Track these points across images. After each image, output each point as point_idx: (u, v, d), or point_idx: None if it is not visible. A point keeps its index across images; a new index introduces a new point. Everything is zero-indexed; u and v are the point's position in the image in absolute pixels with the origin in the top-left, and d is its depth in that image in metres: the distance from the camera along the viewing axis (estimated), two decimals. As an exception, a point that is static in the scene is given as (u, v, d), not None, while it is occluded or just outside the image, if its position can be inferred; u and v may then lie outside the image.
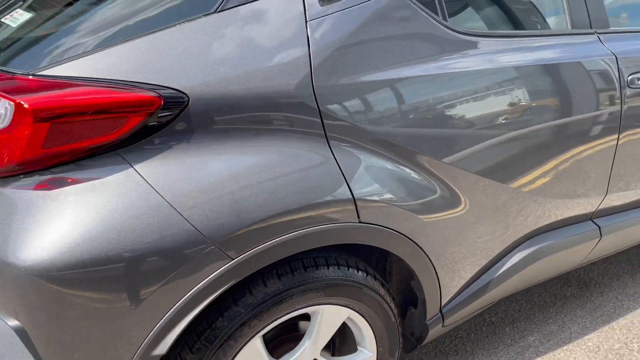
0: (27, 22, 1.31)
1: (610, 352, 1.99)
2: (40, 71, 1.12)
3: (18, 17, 1.32)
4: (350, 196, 1.29)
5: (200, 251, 1.15)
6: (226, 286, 1.20)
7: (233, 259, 1.18)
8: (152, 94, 1.11)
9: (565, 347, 2.02)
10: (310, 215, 1.24)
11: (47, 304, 1.11)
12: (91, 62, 1.13)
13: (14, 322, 1.15)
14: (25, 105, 1.04)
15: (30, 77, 1.11)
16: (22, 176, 1.13)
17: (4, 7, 1.44)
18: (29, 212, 1.12)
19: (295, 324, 1.52)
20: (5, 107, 1.08)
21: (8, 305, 1.16)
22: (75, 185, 1.12)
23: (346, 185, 1.29)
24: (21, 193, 1.13)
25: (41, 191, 1.13)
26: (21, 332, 1.14)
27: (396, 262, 1.59)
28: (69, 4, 1.35)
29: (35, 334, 1.13)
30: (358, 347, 1.55)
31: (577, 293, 2.32)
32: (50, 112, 1.06)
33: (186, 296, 1.16)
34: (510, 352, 2.00)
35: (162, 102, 1.12)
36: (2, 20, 1.35)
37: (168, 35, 1.17)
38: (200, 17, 1.20)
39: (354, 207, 1.30)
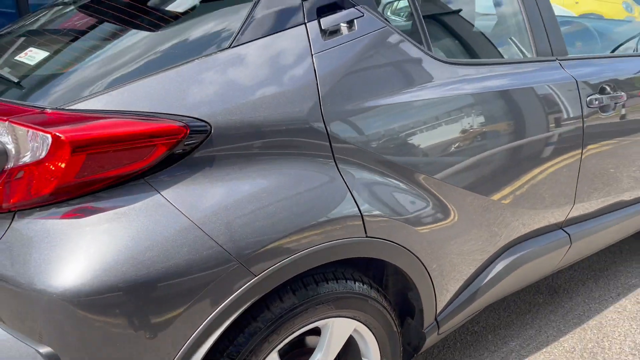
0: (45, 60, 1.36)
1: (584, 351, 2.15)
2: (68, 105, 1.19)
3: (34, 55, 1.37)
4: (358, 212, 1.39)
5: (227, 269, 1.22)
6: (250, 302, 1.27)
7: (256, 276, 1.25)
8: (179, 123, 1.19)
9: (544, 350, 2.17)
10: (324, 231, 1.34)
11: (79, 329, 1.15)
12: (117, 96, 1.20)
13: (45, 349, 1.17)
14: (63, 137, 1.10)
15: (61, 111, 1.17)
16: (52, 206, 1.18)
17: (15, 48, 1.49)
18: (59, 240, 1.16)
19: (303, 340, 1.59)
20: (41, 140, 1.13)
21: (37, 331, 1.19)
22: (104, 212, 1.18)
23: (354, 203, 1.39)
24: (51, 222, 1.18)
25: (71, 220, 1.18)
26: (53, 358, 1.17)
27: (392, 275, 1.70)
28: (85, 41, 1.42)
29: (68, 355, 1.17)
30: (363, 359, 1.64)
31: (549, 300, 2.48)
32: (86, 143, 1.12)
33: (214, 313, 1.22)
34: (494, 358, 2.13)
35: (188, 131, 1.20)
36: (17, 58, 1.40)
37: (189, 70, 1.26)
38: (216, 53, 1.30)
39: (362, 223, 1.41)
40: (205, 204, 1.23)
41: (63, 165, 1.12)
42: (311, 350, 1.54)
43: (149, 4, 1.53)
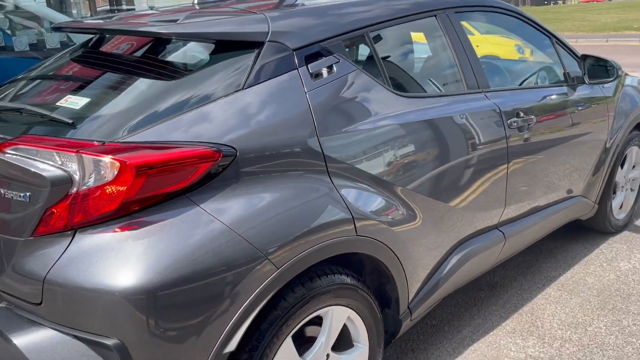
0: (88, 104, 1.62)
1: (523, 331, 2.58)
2: (123, 138, 1.46)
3: (75, 100, 1.63)
4: (351, 216, 1.74)
5: (258, 264, 1.51)
6: (274, 291, 1.57)
7: (278, 268, 1.56)
8: (214, 148, 1.50)
9: (490, 333, 2.57)
10: (327, 231, 1.67)
11: (142, 320, 1.40)
12: (161, 130, 1.50)
13: (113, 341, 1.40)
14: (128, 162, 1.38)
15: (117, 143, 1.45)
16: (110, 222, 1.43)
17: (50, 92, 1.73)
18: (119, 249, 1.42)
19: (302, 331, 1.88)
20: (106, 166, 1.39)
21: (103, 327, 1.41)
22: (155, 224, 1.45)
23: (347, 209, 1.74)
24: (111, 235, 1.43)
25: (129, 231, 1.44)
26: (119, 346, 1.40)
27: (369, 274, 2.04)
28: (120, 86, 1.69)
29: (133, 346, 1.40)
30: (354, 344, 1.95)
31: (489, 294, 2.92)
32: (147, 166, 1.40)
33: (249, 300, 1.51)
34: (452, 344, 2.50)
35: (221, 154, 1.51)
36: (58, 104, 1.65)
37: (214, 107, 1.58)
38: (234, 93, 1.63)
39: (353, 225, 1.75)
40: (235, 212, 1.53)
41: (127, 186, 1.39)
42: (313, 339, 1.83)
43: (168, 56, 1.84)
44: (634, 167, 3.59)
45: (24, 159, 1.45)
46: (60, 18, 4.62)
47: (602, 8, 34.00)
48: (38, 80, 1.98)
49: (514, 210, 2.55)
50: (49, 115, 1.58)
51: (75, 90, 1.75)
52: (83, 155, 1.40)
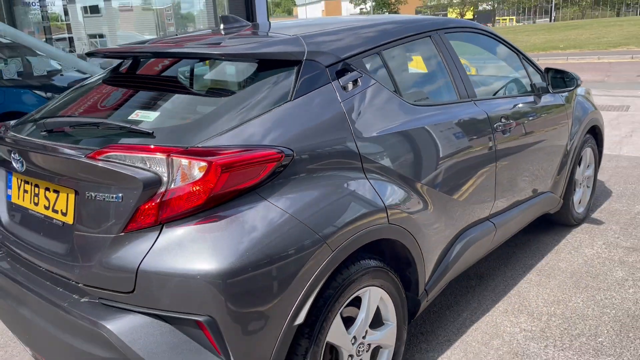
0: (158, 117, 1.84)
1: (514, 310, 2.92)
2: (201, 144, 1.69)
3: (146, 114, 1.85)
4: (383, 206, 2.03)
5: (318, 247, 1.77)
6: (330, 271, 1.82)
7: (333, 251, 1.82)
8: (278, 150, 1.76)
9: (487, 314, 2.90)
10: (367, 219, 1.95)
11: (228, 297, 1.61)
12: (231, 136, 1.73)
13: (204, 317, 1.62)
14: (215, 162, 1.61)
15: (197, 147, 1.68)
16: (193, 216, 1.66)
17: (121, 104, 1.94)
18: (204, 238, 1.64)
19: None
20: (193, 167, 1.62)
21: (194, 306, 1.62)
22: (232, 216, 1.68)
23: (380, 200, 2.03)
24: (196, 227, 1.65)
25: (211, 223, 1.66)
26: (210, 321, 1.61)
27: (390, 261, 2.32)
28: (188, 100, 1.93)
29: (222, 320, 1.62)
30: (384, 322, 2.22)
31: (479, 282, 3.26)
32: (229, 165, 1.64)
33: (312, 278, 1.76)
34: (455, 325, 2.81)
35: (284, 155, 1.76)
36: (131, 118, 1.86)
37: (271, 115, 1.84)
38: (284, 103, 1.89)
39: (386, 214, 2.04)
40: (296, 204, 1.78)
41: (213, 183, 1.62)
42: (353, 319, 2.08)
43: (216, 74, 2.08)
44: (588, 166, 4.07)
45: (116, 164, 1.65)
46: (44, 47, 4.73)
47: (530, 30, 36.32)
48: (92, 99, 2.18)
49: (502, 203, 2.91)
50: (128, 127, 1.79)
51: (142, 106, 1.97)
52: (173, 158, 1.63)
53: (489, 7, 71.10)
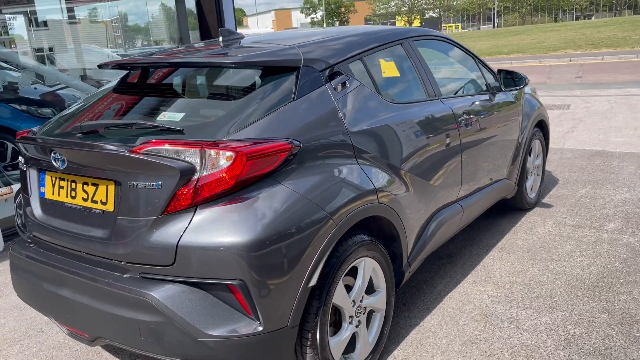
0: (184, 118, 2.15)
1: (481, 281, 3.34)
2: (226, 138, 2.02)
3: (172, 115, 2.16)
4: (374, 188, 2.40)
5: (325, 222, 2.11)
6: (335, 242, 2.17)
7: (337, 225, 2.17)
8: (289, 141, 2.10)
9: (458, 286, 3.31)
10: (361, 199, 2.31)
11: (255, 264, 1.94)
12: (249, 130, 2.06)
13: (235, 281, 1.93)
14: (242, 152, 1.94)
15: (224, 140, 2.00)
16: (222, 198, 1.97)
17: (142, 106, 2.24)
18: (232, 216, 1.97)
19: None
20: (222, 156, 1.94)
21: (227, 272, 1.93)
22: (253, 197, 2.01)
23: (371, 183, 2.39)
24: (224, 207, 1.97)
25: (236, 204, 1.98)
26: (241, 283, 1.93)
27: (379, 236, 2.68)
28: (208, 101, 2.24)
29: (251, 281, 1.93)
30: (376, 289, 2.58)
31: (448, 260, 3.67)
32: (253, 155, 1.97)
33: (321, 247, 2.10)
34: (432, 296, 3.20)
35: (294, 146, 2.11)
36: (160, 119, 2.16)
37: (279, 113, 2.18)
38: (289, 103, 2.24)
39: (376, 195, 2.41)
40: (305, 186, 2.12)
41: (240, 169, 1.95)
42: (350, 288, 2.43)
43: (227, 79, 2.41)
44: (537, 156, 4.58)
45: (156, 157, 1.95)
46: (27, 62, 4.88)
47: (475, 36, 37.80)
48: (115, 104, 2.46)
49: (467, 188, 3.34)
50: (160, 126, 2.09)
51: (167, 109, 2.27)
52: (205, 150, 1.94)
53: (435, 15, 73.40)
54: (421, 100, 3.00)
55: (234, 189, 1.98)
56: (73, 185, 2.24)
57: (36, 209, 2.40)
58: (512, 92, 3.96)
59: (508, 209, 4.47)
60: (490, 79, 3.83)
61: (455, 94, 3.64)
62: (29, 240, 2.49)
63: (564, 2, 74.48)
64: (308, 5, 73.54)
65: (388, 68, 2.91)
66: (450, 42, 3.58)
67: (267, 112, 2.16)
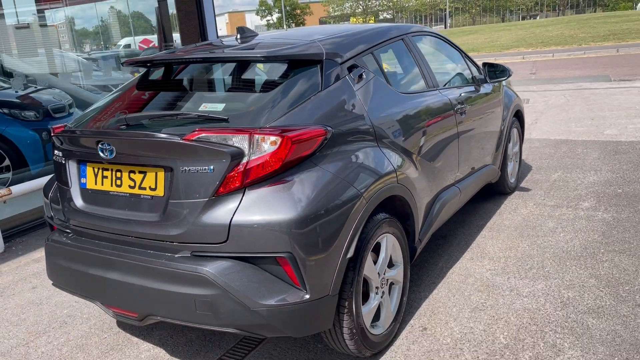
0: (225, 108, 2.33)
1: (478, 257, 3.62)
2: (268, 125, 2.20)
3: (213, 106, 2.33)
4: (394, 170, 2.63)
5: (357, 199, 2.33)
6: (367, 217, 2.38)
7: (367, 202, 2.39)
8: (324, 128, 2.30)
9: (457, 262, 3.58)
10: (385, 178, 2.54)
11: (300, 237, 2.13)
12: (287, 118, 2.26)
13: (284, 253, 2.12)
14: (288, 137, 2.13)
15: (266, 127, 2.19)
16: (267, 180, 2.16)
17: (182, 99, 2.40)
18: (278, 196, 2.15)
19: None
20: (268, 141, 2.12)
21: (276, 245, 2.11)
22: (297, 177, 2.20)
23: (391, 165, 2.63)
24: (270, 187, 2.16)
25: (281, 185, 2.17)
26: (290, 256, 2.12)
27: (395, 214, 2.91)
28: (246, 92, 2.41)
29: (298, 253, 2.13)
30: (394, 263, 2.81)
31: (444, 241, 3.95)
32: (296, 140, 2.16)
33: (356, 221, 2.31)
34: (435, 272, 3.46)
35: (328, 132, 2.31)
36: (202, 109, 2.33)
37: (311, 102, 2.38)
38: (318, 93, 2.44)
39: (395, 175, 2.64)
40: (338, 167, 2.33)
41: (286, 153, 2.14)
42: (375, 262, 2.65)
43: (258, 72, 2.59)
44: (515, 144, 4.92)
45: (208, 143, 2.12)
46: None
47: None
48: (149, 98, 2.61)
49: (462, 172, 3.62)
50: (206, 115, 2.26)
51: (206, 100, 2.44)
52: (254, 135, 2.13)
53: (389, 16, 74.68)
54: (423, 91, 3.26)
55: (280, 171, 2.17)
56: (118, 174, 2.38)
57: (77, 200, 2.52)
58: (495, 84, 4.28)
59: (492, 193, 4.79)
60: (475, 71, 4.14)
61: (448, 85, 3.93)
62: (67, 230, 2.61)
63: (510, 3, 77.12)
64: (263, 8, 73.60)
65: (395, 61, 3.15)
66: (440, 38, 3.86)
67: (300, 102, 2.36)
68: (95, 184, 2.46)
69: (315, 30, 3.20)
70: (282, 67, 2.57)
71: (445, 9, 69.22)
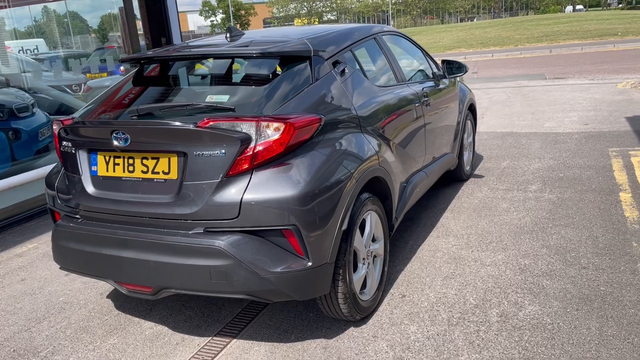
0: (229, 99, 2.59)
1: (443, 235, 4.01)
2: (270, 113, 2.48)
3: (218, 98, 2.58)
4: (375, 153, 2.96)
5: (348, 178, 2.64)
6: (357, 195, 2.70)
7: (356, 181, 2.71)
8: (319, 116, 2.60)
9: (426, 240, 3.96)
10: (369, 161, 2.87)
11: (304, 211, 2.42)
12: (285, 107, 2.55)
13: (290, 226, 2.40)
14: (291, 123, 2.42)
15: (270, 115, 2.47)
16: (271, 163, 2.44)
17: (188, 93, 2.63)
18: (283, 175, 2.44)
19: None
20: (274, 127, 2.40)
21: (282, 219, 2.39)
22: (297, 160, 2.49)
23: (373, 149, 2.96)
24: (275, 169, 2.44)
25: (283, 166, 2.46)
26: (295, 228, 2.41)
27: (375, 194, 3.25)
28: (247, 85, 2.68)
29: (302, 226, 2.41)
30: (376, 238, 3.14)
31: (411, 223, 4.32)
32: (298, 126, 2.45)
33: (348, 198, 2.63)
34: (406, 249, 3.82)
35: (322, 120, 2.62)
36: (209, 100, 2.58)
37: (304, 94, 2.68)
38: (310, 85, 2.74)
39: (377, 158, 2.98)
40: (331, 150, 2.64)
41: (290, 137, 2.43)
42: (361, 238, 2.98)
43: (255, 67, 2.85)
44: (469, 135, 5.38)
45: (220, 130, 2.38)
46: None
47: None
48: (163, 89, 2.84)
49: (428, 158, 4.01)
50: (213, 106, 2.52)
51: (210, 93, 2.69)
52: (261, 122, 2.40)
53: (333, 18, 75.61)
54: (394, 84, 3.61)
55: (283, 154, 2.46)
56: (130, 161, 2.59)
57: (88, 186, 2.71)
58: (452, 79, 4.70)
59: (450, 180, 5.23)
60: (434, 67, 4.55)
61: (414, 79, 4.31)
62: (76, 216, 2.79)
63: (449, 5, 79.74)
64: (207, 8, 72.92)
65: (369, 57, 3.49)
66: (405, 37, 4.24)
67: (295, 93, 2.66)
68: (107, 170, 2.66)
69: (301, 30, 3.49)
70: (275, 62, 2.85)
71: (387, 10, 70.84)
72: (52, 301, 3.49)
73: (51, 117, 6.63)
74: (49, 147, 6.58)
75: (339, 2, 74.91)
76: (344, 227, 2.62)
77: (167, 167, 2.51)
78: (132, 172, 2.59)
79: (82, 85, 9.82)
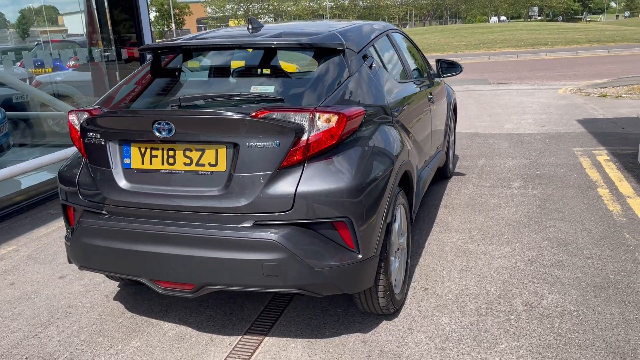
0: (275, 90, 2.52)
1: (445, 230, 4.10)
2: (319, 105, 2.45)
3: (263, 88, 2.52)
4: (408, 147, 2.99)
5: (391, 168, 2.66)
6: (396, 185, 2.71)
7: (396, 173, 2.72)
8: (363, 109, 2.59)
9: (430, 234, 4.03)
10: (403, 155, 2.89)
11: (357, 203, 2.41)
12: (331, 99, 2.52)
13: (342, 218, 2.38)
14: (344, 114, 2.39)
15: (319, 107, 2.43)
16: (322, 155, 2.41)
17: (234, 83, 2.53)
18: (335, 167, 2.41)
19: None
20: (326, 118, 2.37)
21: (336, 210, 2.37)
22: (348, 150, 2.47)
23: (406, 143, 2.98)
24: (326, 161, 2.40)
25: (334, 157, 2.43)
26: (348, 220, 2.39)
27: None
28: (292, 80, 2.62)
29: (354, 218, 2.40)
30: (402, 232, 3.17)
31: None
32: (349, 117, 2.43)
33: (393, 189, 2.64)
34: (414, 243, 3.88)
35: (365, 112, 2.61)
36: (254, 91, 2.50)
37: (347, 86, 2.66)
38: (349, 77, 2.72)
39: (407, 151, 3.00)
40: (375, 141, 2.65)
41: (342, 127, 2.40)
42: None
43: (292, 58, 2.80)
44: (452, 134, 5.53)
45: (274, 120, 2.32)
46: None
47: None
48: (199, 79, 2.73)
49: (431, 154, 4.09)
50: (261, 96, 2.45)
51: (254, 83, 2.61)
52: (316, 113, 2.36)
53: (270, 19, 75.45)
54: (407, 80, 3.66)
55: (335, 145, 2.43)
56: (171, 153, 2.47)
57: (120, 180, 2.55)
58: (446, 78, 4.82)
59: (435, 177, 5.34)
60: (429, 66, 4.65)
61: (416, 77, 4.39)
62: (102, 212, 2.63)
63: (384, 12, 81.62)
64: (138, 6, 70.88)
65: (387, 53, 3.52)
66: (406, 36, 4.31)
67: (339, 85, 2.63)
68: (142, 163, 2.53)
69: (324, 24, 3.43)
70: (310, 54, 2.82)
71: (324, 15, 71.51)
72: (54, 305, 3.27)
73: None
74: (2, 148, 6.16)
75: (275, 4, 74.80)
76: (389, 219, 2.63)
77: (214, 159, 2.41)
78: (173, 164, 2.47)
79: (27, 80, 9.27)
